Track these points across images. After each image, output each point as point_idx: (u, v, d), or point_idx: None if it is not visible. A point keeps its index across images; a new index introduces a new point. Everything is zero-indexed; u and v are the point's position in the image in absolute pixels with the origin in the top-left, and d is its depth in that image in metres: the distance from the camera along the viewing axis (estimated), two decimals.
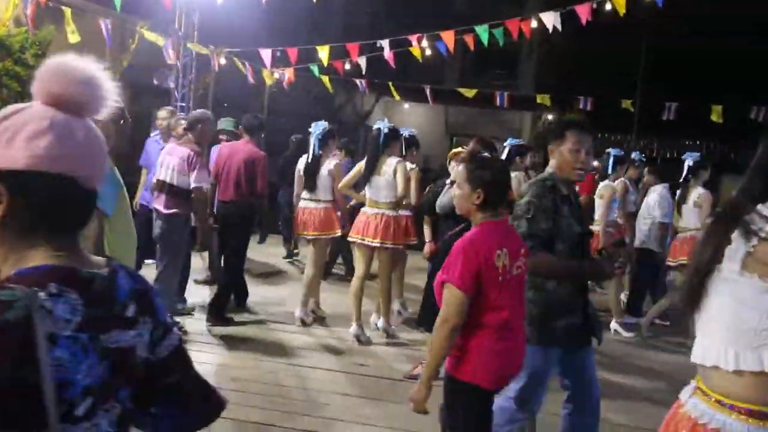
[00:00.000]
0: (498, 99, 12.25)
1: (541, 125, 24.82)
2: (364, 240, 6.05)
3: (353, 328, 6.10)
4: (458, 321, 2.70)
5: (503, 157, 6.80)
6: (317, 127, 6.31)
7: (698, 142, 26.18)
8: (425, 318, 4.94)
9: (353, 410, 4.60)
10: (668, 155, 27.55)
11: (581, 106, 12.04)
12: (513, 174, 6.86)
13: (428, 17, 12.56)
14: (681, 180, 7.11)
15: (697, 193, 6.94)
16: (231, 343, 5.82)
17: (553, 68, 19.90)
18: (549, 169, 3.33)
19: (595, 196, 7.28)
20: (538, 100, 12.33)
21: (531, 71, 23.58)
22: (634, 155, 8.02)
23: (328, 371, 5.36)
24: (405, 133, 6.64)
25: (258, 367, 5.31)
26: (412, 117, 22.14)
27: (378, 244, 6.01)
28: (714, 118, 11.04)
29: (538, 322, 3.18)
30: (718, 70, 18.45)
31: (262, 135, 7.29)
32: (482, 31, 8.88)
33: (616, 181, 7.30)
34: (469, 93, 12.17)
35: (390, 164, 5.98)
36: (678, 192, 7.21)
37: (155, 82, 10.59)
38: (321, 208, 6.38)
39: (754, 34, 17.19)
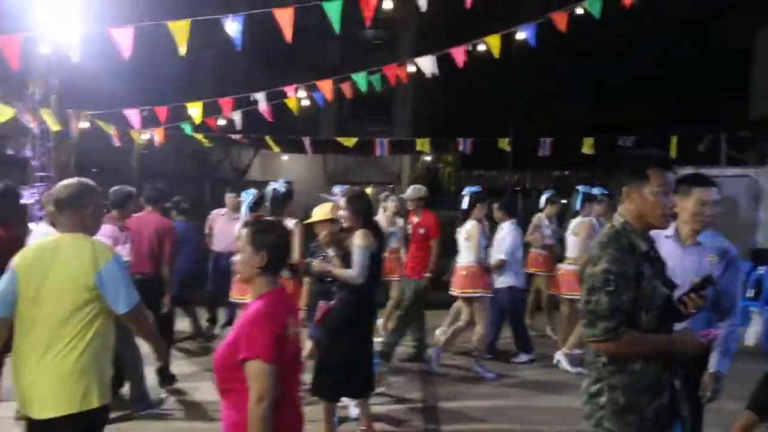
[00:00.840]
0: (378, 147, 12.20)
1: (419, 167, 25.22)
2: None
3: None
4: (274, 396, 2.56)
5: (463, 206, 7.06)
6: (248, 195, 6.15)
7: (567, 173, 27.52)
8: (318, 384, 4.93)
9: None
10: (543, 187, 28.77)
11: (461, 148, 12.16)
12: (471, 223, 6.99)
13: (303, 69, 12.39)
14: (573, 212, 7.33)
15: (575, 222, 7.33)
16: None
17: (428, 111, 20.26)
18: (620, 218, 2.76)
19: (567, 234, 7.48)
20: (418, 146, 12.38)
21: (406, 115, 23.94)
22: (596, 191, 7.90)
23: None
24: (275, 185, 6.28)
25: None
26: (291, 168, 21.80)
27: None
28: (586, 149, 11.46)
29: (624, 411, 2.65)
30: (589, 105, 19.51)
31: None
32: (359, 78, 8.75)
33: (586, 219, 7.37)
34: (349, 142, 12.04)
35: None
36: (569, 223, 7.49)
37: (9, 151, 9.68)
38: None
39: (624, 68, 18.34)
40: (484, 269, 7.04)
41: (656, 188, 2.66)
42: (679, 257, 3.59)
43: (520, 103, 17.63)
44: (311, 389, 5.06)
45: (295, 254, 5.93)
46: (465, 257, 7.03)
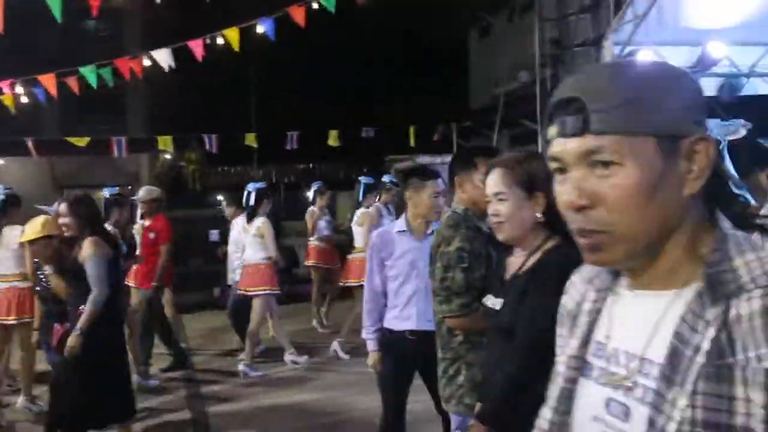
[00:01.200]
0: (115, 146, 11.31)
1: (160, 166, 23.96)
2: None
3: None
4: None
5: (249, 202, 6.84)
6: None
7: (312, 166, 28.06)
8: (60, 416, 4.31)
9: None
10: (287, 180, 29.02)
11: (207, 145, 11.73)
12: (261, 219, 6.72)
13: (19, 62, 10.99)
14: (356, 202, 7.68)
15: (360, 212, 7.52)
16: None
17: (168, 107, 19.32)
18: (460, 205, 2.92)
19: (353, 225, 7.50)
20: (160, 144, 11.70)
21: (143, 112, 22.60)
22: (386, 179, 7.89)
23: None
24: None
25: None
26: (10, 173, 19.48)
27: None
28: (332, 142, 11.70)
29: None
30: (331, 98, 19.95)
31: None
32: (88, 72, 7.97)
33: (370, 208, 7.41)
34: (81, 142, 11.01)
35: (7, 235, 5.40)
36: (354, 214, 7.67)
37: None
38: None
39: (361, 65, 18.99)
40: (273, 266, 6.86)
41: (483, 176, 2.73)
42: (419, 250, 3.65)
43: (263, 97, 17.56)
44: (49, 423, 4.48)
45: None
46: (253, 254, 6.77)
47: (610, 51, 8.13)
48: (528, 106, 13.24)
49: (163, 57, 7.86)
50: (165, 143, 11.69)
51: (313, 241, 8.54)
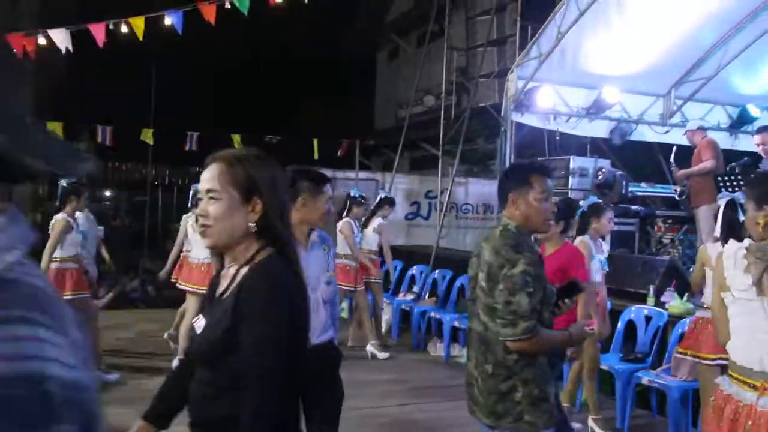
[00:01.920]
0: None
1: None
2: None
3: None
4: None
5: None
6: None
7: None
8: None
9: None
10: (182, 182, 28.14)
11: (100, 137, 11.20)
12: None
13: None
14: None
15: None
16: None
17: (59, 92, 18.28)
18: (512, 221, 2.86)
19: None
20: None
21: (32, 94, 21.30)
22: (354, 192, 7.64)
23: None
24: None
25: None
26: None
27: None
28: (236, 145, 11.47)
29: (539, 401, 2.77)
30: (236, 102, 19.51)
31: None
32: None
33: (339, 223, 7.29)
34: None
35: None
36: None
37: None
38: None
39: (269, 71, 18.65)
40: None
41: (539, 195, 2.84)
42: (305, 259, 3.49)
43: (164, 93, 16.95)
44: None
45: None
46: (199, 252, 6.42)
47: (514, 84, 8.42)
48: (430, 131, 13.53)
49: (61, 38, 7.46)
50: (54, 130, 11.07)
51: None
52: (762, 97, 9.30)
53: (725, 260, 2.77)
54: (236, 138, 11.43)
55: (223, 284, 1.97)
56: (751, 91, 9.19)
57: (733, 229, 3.63)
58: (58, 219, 5.91)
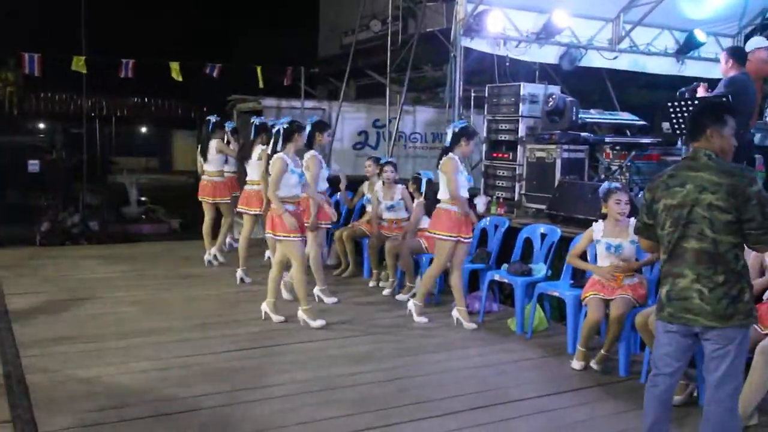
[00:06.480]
0: None
1: None
2: None
3: None
4: None
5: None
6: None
7: (148, 100, 26.40)
8: None
9: None
10: (120, 114, 27.13)
11: (27, 67, 10.53)
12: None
13: None
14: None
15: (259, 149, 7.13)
16: None
17: None
18: (710, 152, 3.23)
19: (253, 161, 7.32)
20: None
21: None
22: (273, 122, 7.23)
23: None
24: None
25: None
26: None
27: None
28: (174, 75, 10.98)
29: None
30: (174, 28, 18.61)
31: None
32: None
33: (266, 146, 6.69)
34: None
35: None
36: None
37: None
38: None
39: None
40: None
41: (731, 130, 3.30)
42: None
43: (96, 18, 16.03)
44: None
45: None
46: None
47: (463, 8, 8.20)
48: (377, 58, 13.19)
49: None
50: None
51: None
52: (709, 21, 9.32)
53: None
54: (175, 66, 10.90)
55: None
56: (699, 15, 9.18)
57: None
58: None
